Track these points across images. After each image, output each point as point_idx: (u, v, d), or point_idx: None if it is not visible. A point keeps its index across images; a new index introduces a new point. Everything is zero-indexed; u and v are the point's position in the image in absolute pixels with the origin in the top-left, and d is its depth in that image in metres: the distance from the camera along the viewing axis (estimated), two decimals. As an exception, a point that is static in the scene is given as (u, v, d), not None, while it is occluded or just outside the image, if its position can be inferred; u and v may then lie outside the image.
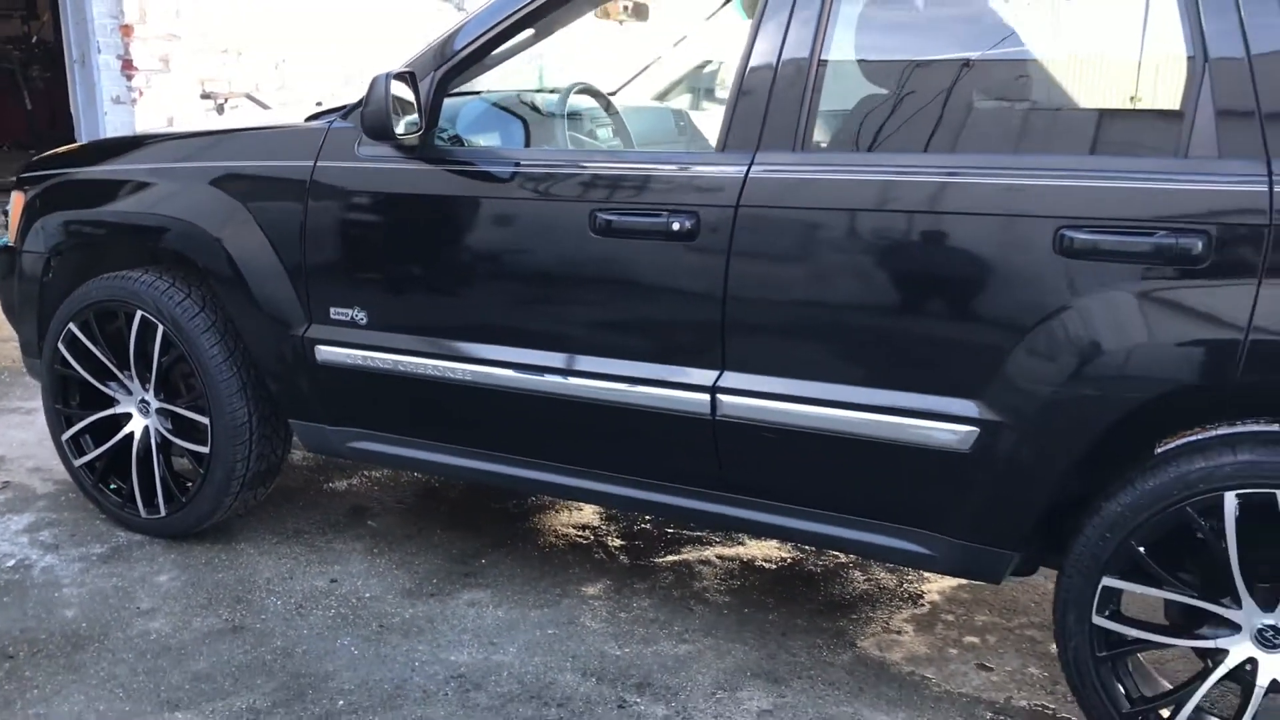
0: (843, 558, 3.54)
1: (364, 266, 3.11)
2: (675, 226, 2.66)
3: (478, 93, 3.31)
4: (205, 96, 7.97)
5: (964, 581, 3.36)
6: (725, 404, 2.70)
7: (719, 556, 3.57)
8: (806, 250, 2.58)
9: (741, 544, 3.65)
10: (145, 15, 7.51)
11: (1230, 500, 2.25)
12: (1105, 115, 2.51)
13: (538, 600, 3.26)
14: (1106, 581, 2.40)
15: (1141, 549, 2.35)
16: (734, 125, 2.66)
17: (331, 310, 3.16)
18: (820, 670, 2.93)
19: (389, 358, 3.09)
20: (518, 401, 2.95)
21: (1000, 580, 2.61)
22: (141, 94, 7.60)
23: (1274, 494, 2.22)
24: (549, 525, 3.78)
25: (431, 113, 2.97)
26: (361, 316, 3.12)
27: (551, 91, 3.49)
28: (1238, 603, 2.32)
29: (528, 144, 3.35)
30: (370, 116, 2.81)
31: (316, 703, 2.74)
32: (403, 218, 3.04)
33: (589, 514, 3.86)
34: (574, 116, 3.47)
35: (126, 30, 7.51)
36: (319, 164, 3.12)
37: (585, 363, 2.85)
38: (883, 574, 3.46)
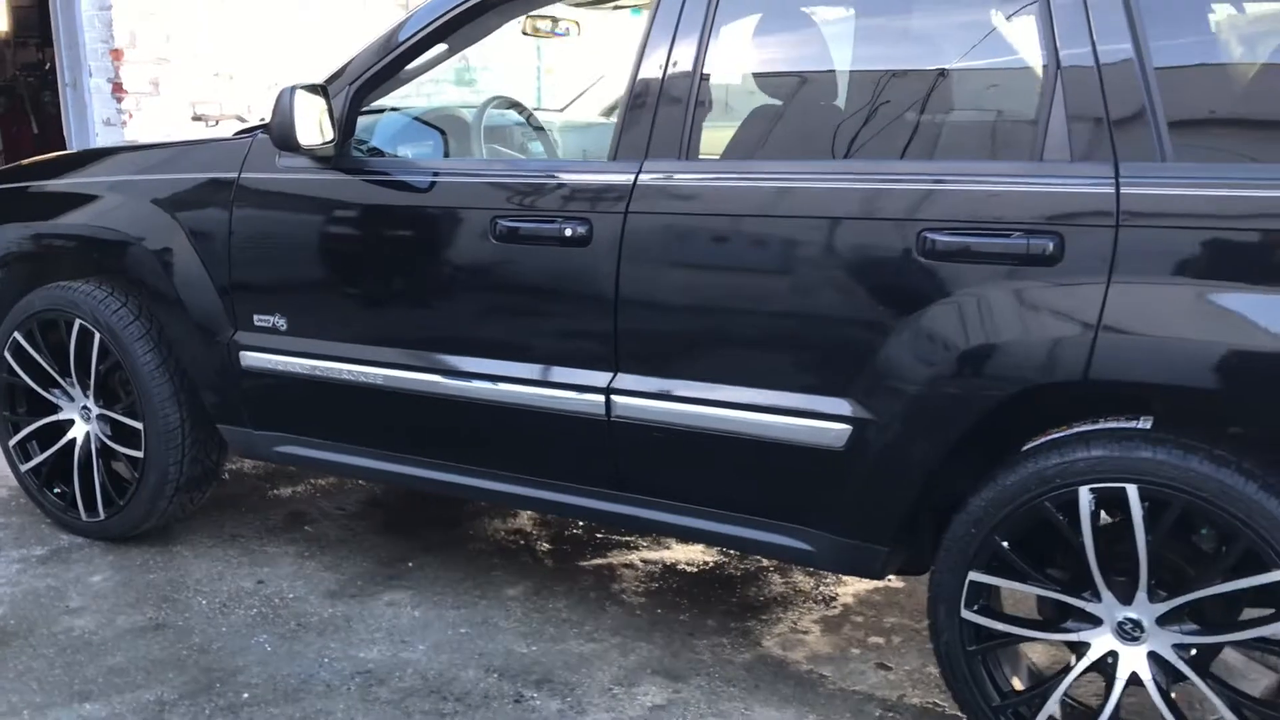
0: (764, 562, 3.60)
1: (283, 274, 3.21)
2: (568, 233, 2.74)
3: (396, 108, 3.42)
4: (197, 119, 8.14)
5: (879, 584, 3.41)
6: (619, 405, 2.78)
7: (642, 560, 3.64)
8: (690, 255, 2.66)
9: (666, 548, 3.71)
10: (135, 40, 7.69)
11: (1085, 495, 2.30)
12: (968, 123, 2.59)
13: (456, 601, 3.33)
14: (973, 576, 2.45)
15: (1005, 544, 2.41)
16: (624, 135, 2.75)
17: (255, 317, 3.26)
18: (720, 668, 2.98)
19: (306, 363, 3.19)
20: (425, 405, 3.04)
21: (878, 575, 2.67)
22: (131, 116, 7.77)
23: (1125, 488, 2.27)
24: (481, 531, 3.86)
25: (346, 125, 3.07)
26: (282, 323, 3.22)
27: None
28: (1098, 596, 2.37)
29: (446, 156, 3.45)
30: (277, 128, 2.92)
31: (222, 695, 2.82)
32: (317, 226, 3.14)
33: (523, 520, 3.93)
34: (499, 130, 3.57)
35: (117, 54, 7.69)
36: (242, 176, 3.23)
37: (488, 366, 2.94)
38: (800, 577, 3.52)
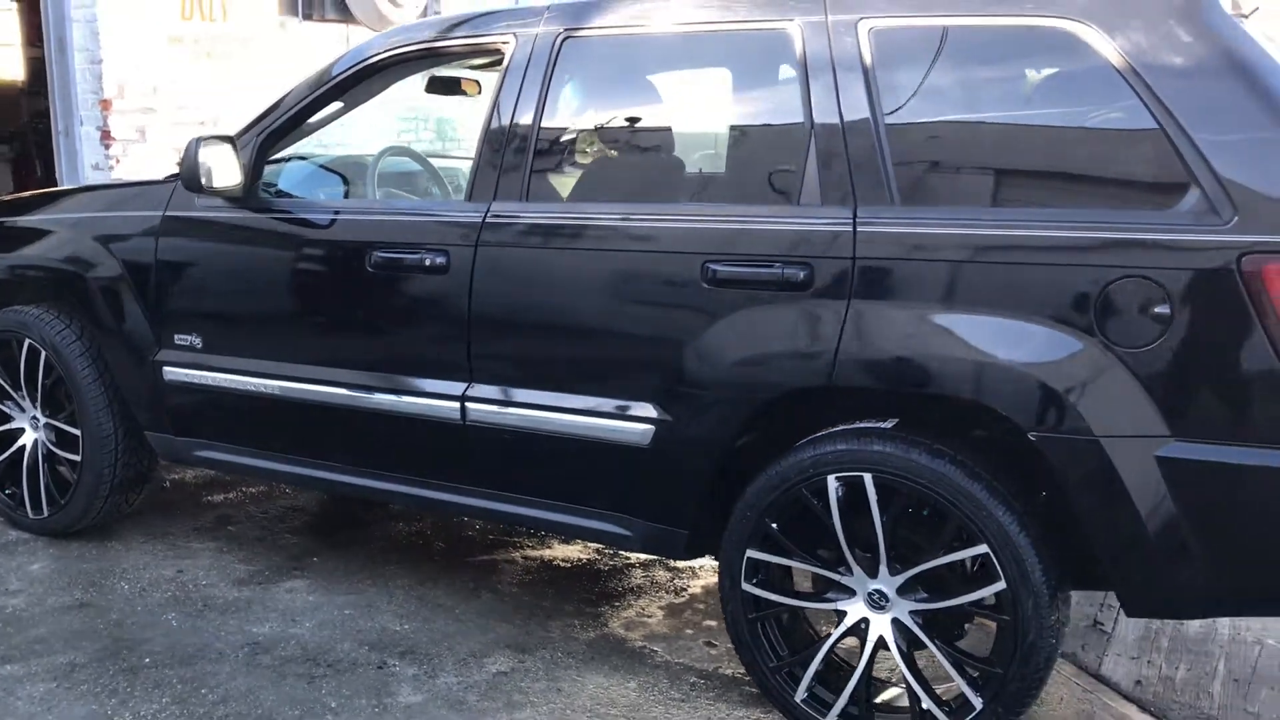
0: (630, 558, 4.03)
1: (199, 299, 3.69)
2: (427, 262, 3.21)
3: (304, 157, 3.91)
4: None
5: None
6: (472, 410, 3.23)
7: (524, 557, 4.08)
8: (527, 281, 3.13)
9: (547, 547, 4.15)
10: (124, 91, 8.25)
11: (833, 482, 2.74)
12: (748, 173, 3.06)
13: (348, 589, 3.77)
14: (751, 554, 2.88)
15: (774, 525, 2.84)
16: (477, 178, 3.22)
17: (175, 337, 3.74)
18: (565, 644, 3.41)
19: (218, 376, 3.65)
20: (315, 413, 3.50)
21: (682, 556, 3.10)
22: (119, 161, 8.32)
23: (862, 477, 2.71)
24: (385, 532, 4.30)
25: (255, 170, 3.56)
26: (198, 341, 3.69)
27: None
28: (850, 570, 2.81)
29: (345, 198, 3.94)
30: (185, 173, 3.41)
31: (126, 660, 3.26)
32: (227, 257, 3.63)
33: (425, 523, 4.38)
34: (398, 176, 4.05)
35: (106, 104, 8.25)
36: (166, 213, 3.72)
37: (365, 378, 3.40)
38: (660, 572, 3.95)
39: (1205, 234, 2.38)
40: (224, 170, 3.44)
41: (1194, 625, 3.63)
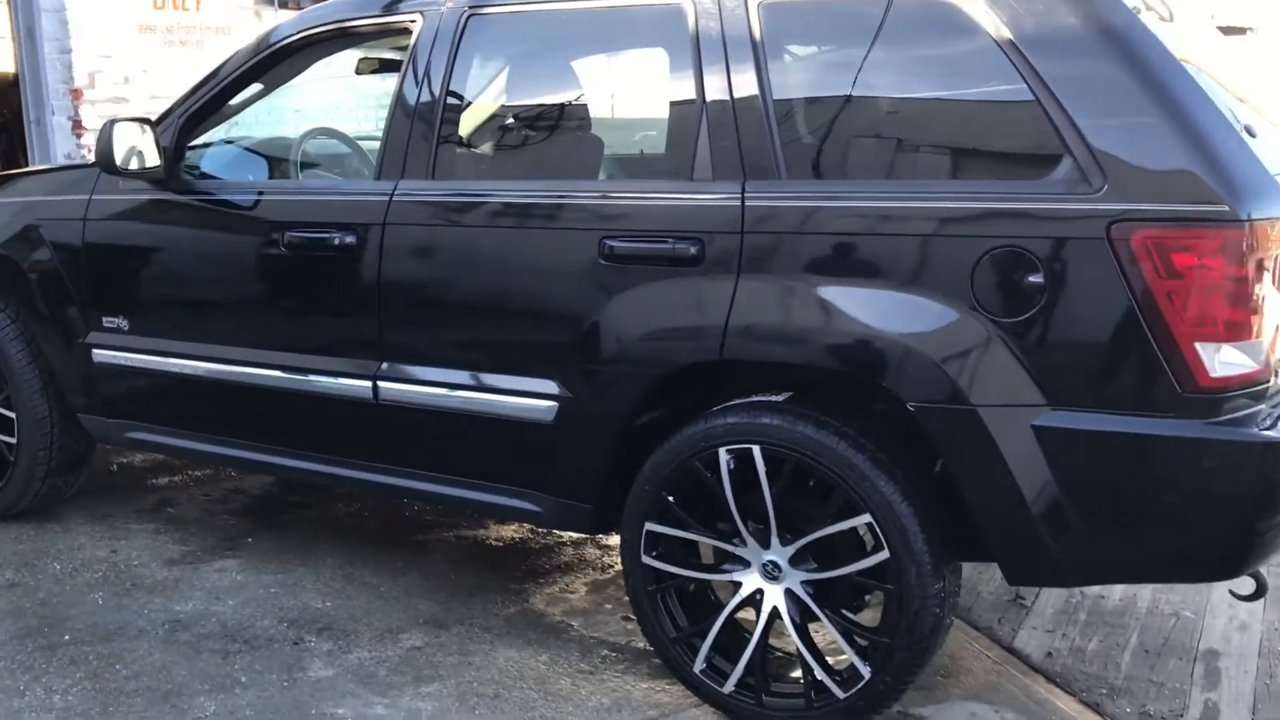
0: (562, 537, 4.06)
1: (123, 280, 3.73)
2: (336, 241, 3.24)
3: (230, 141, 3.93)
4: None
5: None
6: (384, 389, 3.26)
7: (456, 537, 4.11)
8: (432, 259, 3.16)
9: (483, 527, 4.18)
10: (94, 81, 8.29)
11: (724, 454, 2.77)
12: (646, 147, 3.08)
13: (278, 568, 3.80)
14: (649, 526, 2.91)
15: (671, 499, 2.87)
16: (386, 157, 3.25)
17: (104, 319, 3.77)
18: (483, 619, 3.44)
19: (143, 358, 3.69)
20: (233, 393, 3.53)
21: (589, 530, 3.13)
22: (90, 151, 8.35)
23: (751, 449, 2.73)
24: (323, 513, 4.34)
25: (175, 153, 3.58)
26: (124, 324, 3.73)
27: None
28: (744, 542, 2.83)
29: (270, 179, 3.96)
30: (100, 155, 3.44)
31: (46, 637, 3.30)
32: (149, 238, 3.66)
33: (365, 504, 4.41)
34: (324, 157, 4.07)
35: (76, 94, 8.29)
36: (93, 197, 3.75)
37: (281, 358, 3.43)
38: (590, 550, 3.97)
39: (1076, 203, 2.40)
40: (140, 152, 3.47)
41: (1113, 599, 3.65)
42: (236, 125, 3.84)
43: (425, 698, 3.00)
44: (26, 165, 12.91)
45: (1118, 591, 3.70)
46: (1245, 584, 2.70)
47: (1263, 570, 2.69)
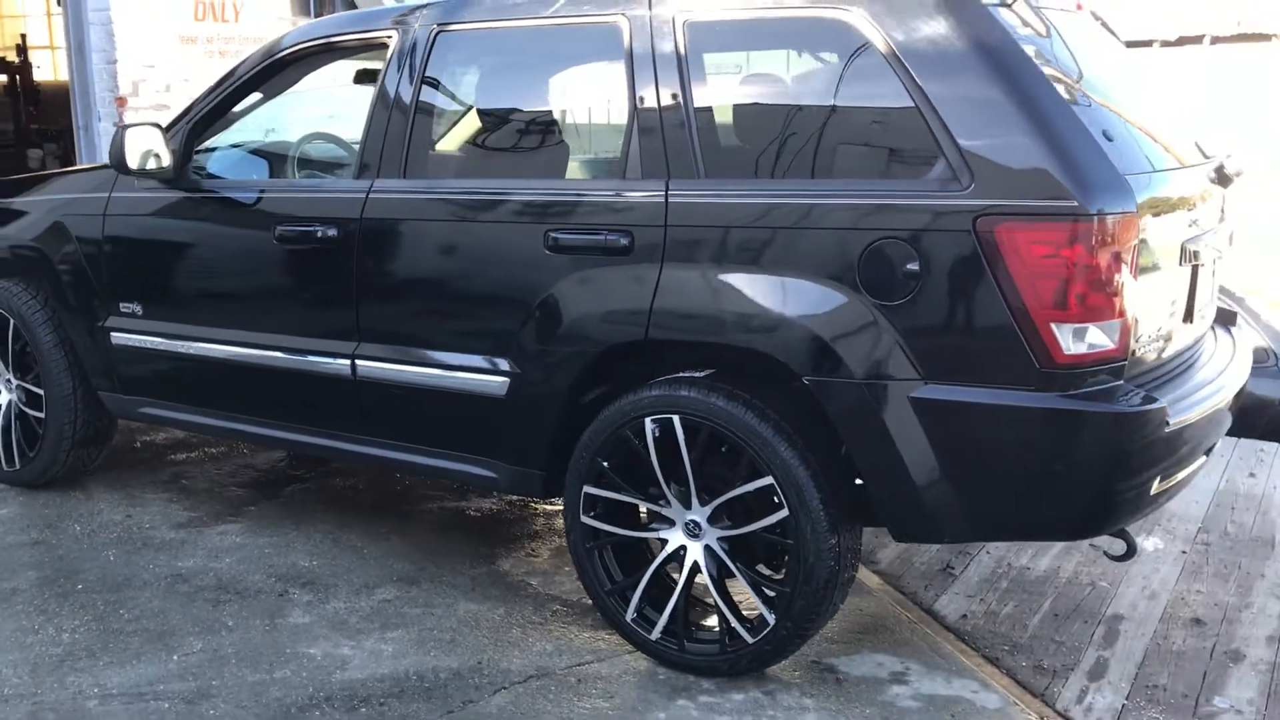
0: (536, 509, 4.41)
1: (138, 270, 4.13)
2: (319, 234, 3.61)
3: (238, 144, 4.33)
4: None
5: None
6: (361, 367, 3.63)
7: (440, 508, 4.47)
8: (401, 250, 3.51)
9: (464, 499, 4.54)
10: (138, 89, 8.79)
11: (649, 424, 3.09)
12: (588, 149, 3.42)
13: (274, 532, 4.19)
14: (587, 489, 3.24)
15: (605, 464, 3.20)
16: (364, 157, 3.61)
17: (121, 305, 4.18)
18: (451, 578, 3.80)
19: (155, 340, 4.09)
20: (232, 371, 3.92)
21: (540, 495, 3.46)
22: (133, 154, 8.84)
23: (672, 419, 3.06)
24: (325, 486, 4.72)
25: (184, 155, 3.98)
26: (138, 309, 4.13)
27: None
28: (669, 503, 3.15)
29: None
30: (113, 157, 3.84)
31: (61, 586, 3.70)
32: (160, 231, 4.06)
33: (361, 477, 4.79)
34: (322, 160, 4.45)
35: (121, 102, 8.80)
36: (113, 195, 4.16)
37: (274, 339, 3.81)
38: (559, 520, 4.29)
39: (947, 199, 2.70)
40: (152, 154, 3.87)
41: (1038, 569, 3.93)
42: (245, 130, 4.22)
43: (388, 641, 3.35)
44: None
45: (1043, 562, 3.97)
46: (1130, 548, 3.00)
47: (1130, 531, 2.96)
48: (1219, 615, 3.61)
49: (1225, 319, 3.74)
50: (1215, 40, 16.30)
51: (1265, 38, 15.65)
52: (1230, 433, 5.49)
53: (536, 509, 4.42)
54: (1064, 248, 2.61)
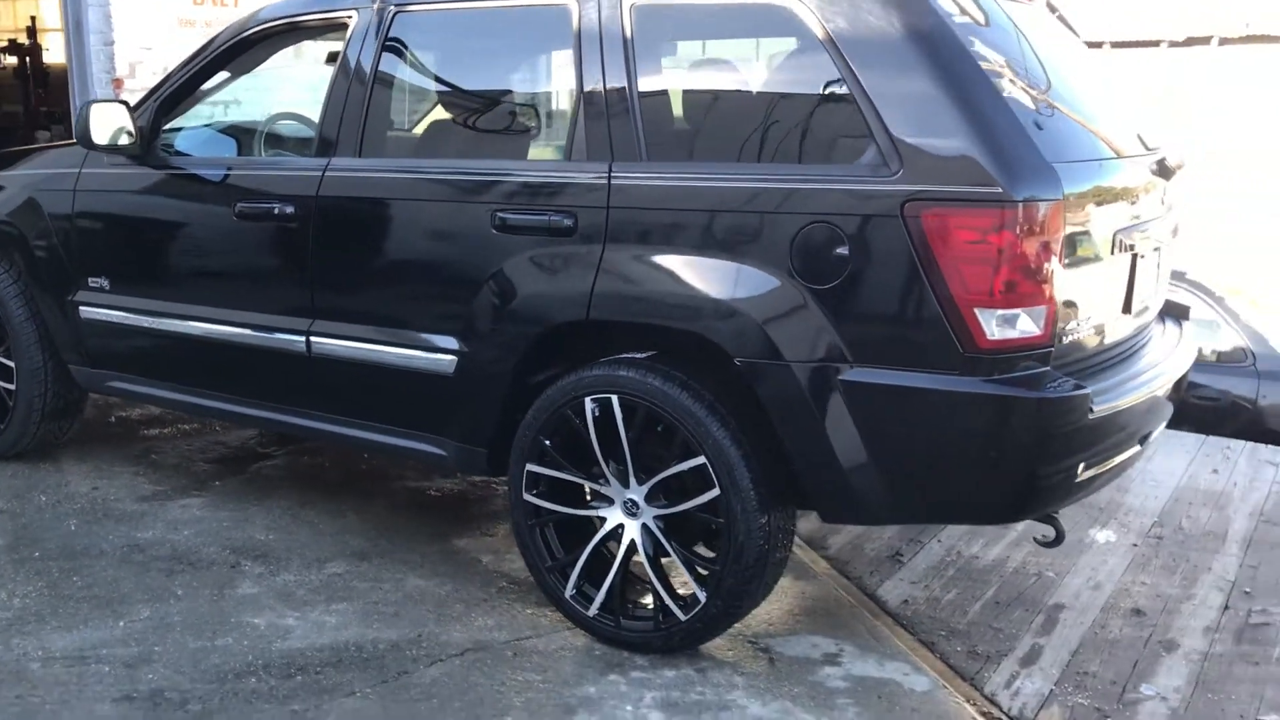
0: (497, 489, 4.45)
1: (106, 244, 4.19)
2: (277, 211, 3.66)
3: (208, 124, 4.38)
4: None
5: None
6: (315, 344, 3.68)
7: (404, 488, 4.52)
8: (355, 227, 3.56)
9: (426, 479, 4.59)
10: (134, 71, 8.85)
11: (589, 403, 3.13)
12: (537, 130, 3.45)
13: (235, 507, 4.24)
14: (530, 467, 3.28)
15: (547, 442, 3.24)
16: (322, 136, 3.66)
17: (89, 280, 4.24)
18: (403, 554, 3.84)
19: (119, 314, 4.15)
20: (194, 346, 3.97)
21: (487, 472, 3.50)
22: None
23: (610, 399, 3.10)
24: (292, 463, 4.78)
25: (151, 132, 4.03)
26: (105, 283, 4.19)
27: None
28: (609, 482, 3.19)
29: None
30: (79, 131, 3.90)
31: (20, 553, 3.77)
32: (126, 206, 4.12)
33: (328, 456, 4.84)
34: (290, 139, 4.49)
35: (118, 83, 8.86)
36: (82, 170, 4.22)
37: (233, 315, 3.86)
38: (518, 502, 4.35)
39: (876, 184, 2.73)
40: (120, 130, 3.92)
41: (986, 558, 3.96)
42: (215, 108, 4.28)
43: (333, 613, 3.40)
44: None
45: (992, 551, 4.00)
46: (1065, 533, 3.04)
47: (1059, 518, 2.99)
48: (1160, 606, 3.64)
49: (1176, 311, 3.76)
50: (1224, 41, 16.24)
51: (1273, 39, 15.57)
52: (1204, 430, 5.53)
53: (498, 489, 4.46)
54: (989, 234, 2.64)
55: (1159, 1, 16.36)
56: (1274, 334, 6.60)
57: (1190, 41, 16.45)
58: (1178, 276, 6.59)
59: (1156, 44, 16.44)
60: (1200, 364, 6.29)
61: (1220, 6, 16.10)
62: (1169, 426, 3.46)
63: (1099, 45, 16.58)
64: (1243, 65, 16.03)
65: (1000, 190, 2.62)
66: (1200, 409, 6.12)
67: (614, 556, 3.22)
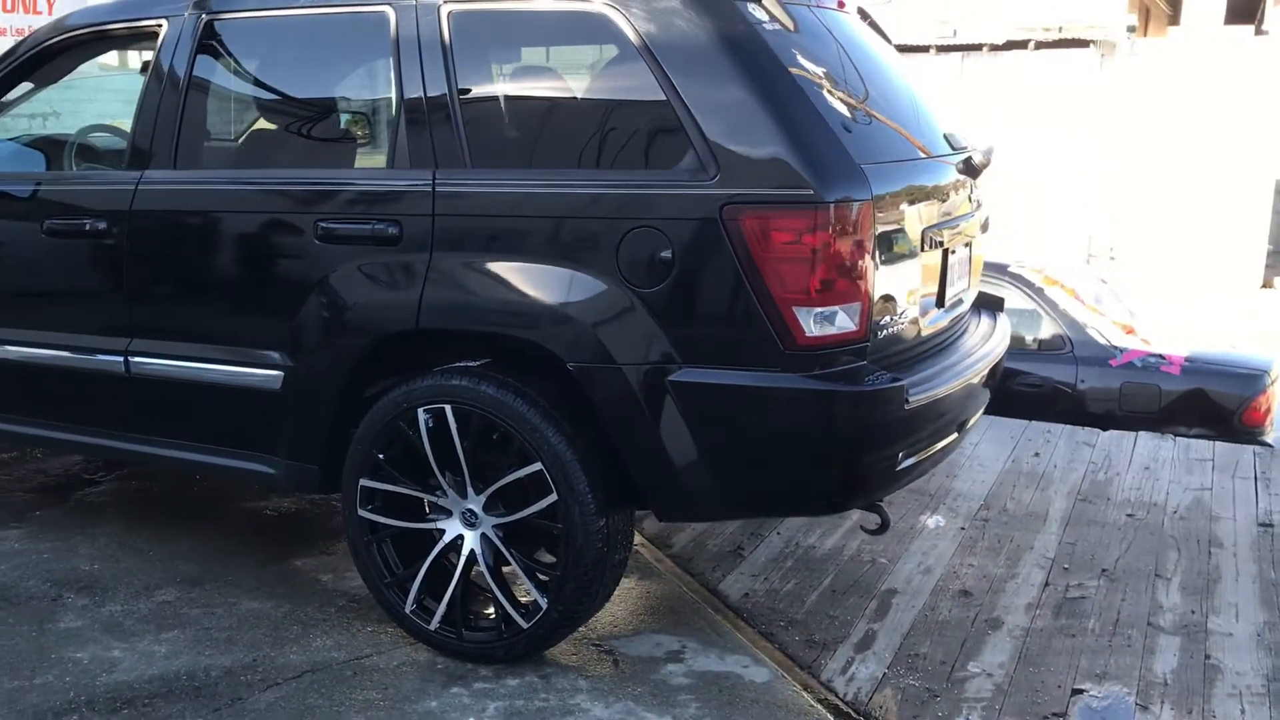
0: (335, 507, 4.35)
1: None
2: (88, 227, 3.51)
3: (15, 139, 4.18)
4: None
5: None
6: (134, 363, 3.54)
7: (241, 509, 4.39)
8: (171, 242, 3.45)
9: (262, 500, 4.46)
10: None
11: (422, 414, 3.10)
12: (358, 138, 3.42)
13: (57, 537, 4.04)
14: (364, 482, 3.23)
15: (381, 456, 3.19)
16: (134, 149, 3.53)
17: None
18: (238, 577, 3.73)
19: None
20: (6, 370, 3.78)
21: (318, 490, 3.43)
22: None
23: (444, 408, 3.07)
24: (120, 489, 4.59)
25: (-50, 148, 3.83)
26: (-90, 308, 3.94)
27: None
28: (445, 493, 3.17)
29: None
30: None
31: None
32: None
33: (156, 481, 4.66)
34: (104, 152, 4.32)
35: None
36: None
37: (50, 338, 3.69)
38: (359, 518, 4.27)
39: (695, 189, 2.78)
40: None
41: (823, 548, 4.07)
42: (24, 120, 4.08)
43: (163, 642, 3.28)
44: None
45: (829, 541, 4.12)
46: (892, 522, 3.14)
47: (885, 506, 3.10)
48: (986, 586, 3.81)
49: (991, 303, 3.94)
50: (1039, 45, 17.10)
51: (1083, 44, 16.49)
52: (1027, 415, 5.80)
53: (337, 506, 4.34)
54: (804, 234, 2.72)
55: (981, 6, 17.11)
56: (1090, 321, 6.97)
57: (1010, 45, 17.28)
58: (999, 269, 6.91)
59: (978, 48, 17.20)
60: (1022, 352, 6.65)
61: (1036, 9, 16.94)
62: (994, 413, 3.63)
63: (925, 49, 17.29)
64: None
65: (812, 192, 2.71)
66: (1023, 396, 6.42)
67: (454, 568, 3.19)
